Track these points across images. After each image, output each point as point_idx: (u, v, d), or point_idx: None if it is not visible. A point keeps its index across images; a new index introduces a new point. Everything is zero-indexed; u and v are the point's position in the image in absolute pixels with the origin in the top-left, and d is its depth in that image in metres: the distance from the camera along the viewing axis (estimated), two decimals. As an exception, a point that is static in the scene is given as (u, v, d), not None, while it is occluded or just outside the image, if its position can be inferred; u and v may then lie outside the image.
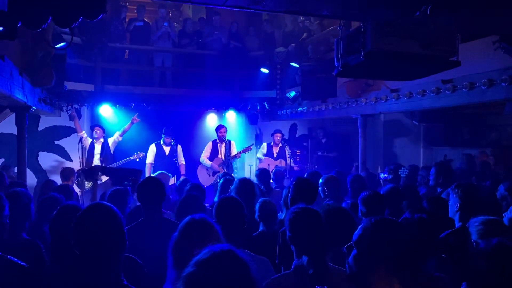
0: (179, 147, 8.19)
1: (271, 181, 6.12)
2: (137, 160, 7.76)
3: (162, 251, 2.65)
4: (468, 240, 2.68)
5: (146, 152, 8.00)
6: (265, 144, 8.83)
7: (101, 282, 1.82)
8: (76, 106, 8.07)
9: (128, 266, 2.32)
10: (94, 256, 1.83)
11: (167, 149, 8.05)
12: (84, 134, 7.88)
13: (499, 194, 4.09)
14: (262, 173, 5.63)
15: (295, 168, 8.52)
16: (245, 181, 4.12)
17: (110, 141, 7.89)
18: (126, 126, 7.98)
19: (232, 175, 6.79)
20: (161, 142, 8.07)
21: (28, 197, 3.10)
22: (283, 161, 8.50)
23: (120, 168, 4.69)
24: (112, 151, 7.88)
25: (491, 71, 4.70)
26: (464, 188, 3.24)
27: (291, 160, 8.50)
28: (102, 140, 7.82)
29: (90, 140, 7.81)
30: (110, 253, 1.85)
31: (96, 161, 7.61)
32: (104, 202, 2.05)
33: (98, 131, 7.76)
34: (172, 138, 7.99)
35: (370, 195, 3.45)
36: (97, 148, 7.75)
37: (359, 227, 2.03)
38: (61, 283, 1.87)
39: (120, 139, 7.93)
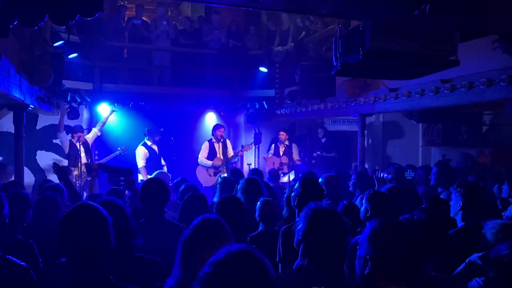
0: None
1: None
2: (121, 153, 7.71)
3: (165, 252, 2.63)
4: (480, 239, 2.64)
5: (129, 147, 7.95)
6: (273, 146, 9.00)
7: (86, 281, 1.83)
8: (74, 104, 8.03)
9: (147, 267, 2.34)
10: (79, 256, 1.83)
11: (156, 148, 7.94)
12: (63, 134, 7.79)
13: (504, 194, 4.04)
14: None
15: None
16: (251, 181, 4.03)
17: (88, 138, 7.86)
18: (104, 119, 7.91)
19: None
20: (148, 143, 7.87)
21: (27, 201, 3.09)
22: (285, 157, 8.55)
23: (114, 166, 4.66)
24: (90, 146, 7.84)
25: (490, 70, 4.68)
26: (466, 187, 3.21)
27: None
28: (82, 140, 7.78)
29: (68, 140, 7.72)
30: (94, 252, 1.85)
31: (84, 160, 7.54)
32: (90, 202, 2.02)
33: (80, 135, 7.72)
34: (159, 136, 7.87)
35: (377, 193, 3.36)
36: (80, 147, 7.70)
37: (366, 228, 1.99)
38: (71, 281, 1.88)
39: (99, 133, 7.86)
